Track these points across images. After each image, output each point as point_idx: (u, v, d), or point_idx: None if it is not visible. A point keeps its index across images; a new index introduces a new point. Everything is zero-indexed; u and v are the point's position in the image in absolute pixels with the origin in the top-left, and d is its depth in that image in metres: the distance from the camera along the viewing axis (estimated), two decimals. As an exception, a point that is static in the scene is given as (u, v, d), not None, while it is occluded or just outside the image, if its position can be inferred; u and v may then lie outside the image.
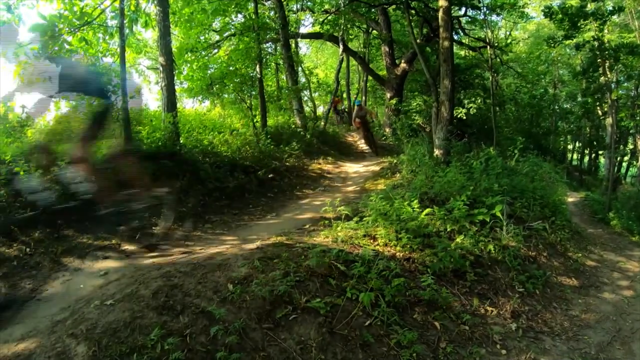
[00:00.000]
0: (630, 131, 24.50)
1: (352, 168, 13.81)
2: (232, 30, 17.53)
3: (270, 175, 10.20)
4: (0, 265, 4.76)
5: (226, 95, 16.90)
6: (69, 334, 3.31)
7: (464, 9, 20.19)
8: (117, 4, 9.67)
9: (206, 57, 17.01)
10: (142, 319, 3.43)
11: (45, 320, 3.69)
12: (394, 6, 19.83)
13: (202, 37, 17.21)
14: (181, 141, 9.49)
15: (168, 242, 6.05)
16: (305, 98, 22.93)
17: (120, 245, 5.72)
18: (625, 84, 21.14)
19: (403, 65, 20.96)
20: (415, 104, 21.54)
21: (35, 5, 9.84)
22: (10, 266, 4.78)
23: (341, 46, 19.44)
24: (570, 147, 36.42)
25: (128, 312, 3.50)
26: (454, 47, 13.13)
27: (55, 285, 4.56)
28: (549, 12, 15.30)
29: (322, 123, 18.40)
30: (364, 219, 6.13)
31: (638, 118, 19.70)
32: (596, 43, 16.10)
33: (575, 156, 36.86)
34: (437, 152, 11.18)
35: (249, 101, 15.10)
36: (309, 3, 21.97)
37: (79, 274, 4.85)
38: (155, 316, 3.47)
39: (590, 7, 15.14)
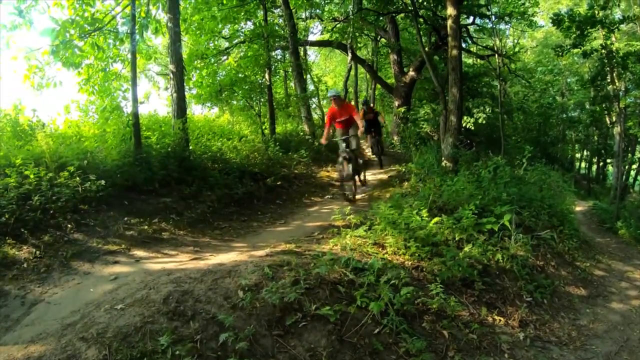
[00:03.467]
0: (639, 139, 24.44)
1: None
2: (242, 38, 17.66)
3: (278, 183, 10.23)
4: (11, 267, 4.80)
5: (235, 102, 16.98)
6: (79, 338, 3.33)
7: (472, 17, 20.23)
8: (128, 10, 9.75)
9: (215, 64, 17.12)
10: (153, 324, 3.45)
11: (55, 324, 3.72)
12: (402, 14, 19.86)
13: (211, 44, 17.33)
14: (190, 147, 9.53)
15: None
16: (314, 105, 22.92)
17: (129, 250, 5.75)
18: (634, 92, 21.10)
19: (411, 73, 20.96)
20: (423, 112, 21.48)
21: (46, 10, 9.92)
22: (21, 268, 4.82)
23: (350, 54, 19.49)
24: (578, 155, 36.35)
25: (139, 316, 3.52)
26: (462, 56, 13.15)
27: (65, 289, 4.60)
28: (557, 20, 15.29)
29: (331, 131, 18.42)
30: (373, 227, 6.14)
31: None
32: (604, 51, 16.09)
33: (583, 165, 36.79)
34: (445, 160, 11.19)
35: (257, 108, 15.17)
36: (317, 11, 22.05)
37: (88, 277, 4.88)
38: (166, 321, 3.49)
39: (599, 15, 15.13)
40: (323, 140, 10.44)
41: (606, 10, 15.39)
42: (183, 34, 13.96)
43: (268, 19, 15.69)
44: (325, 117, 11.30)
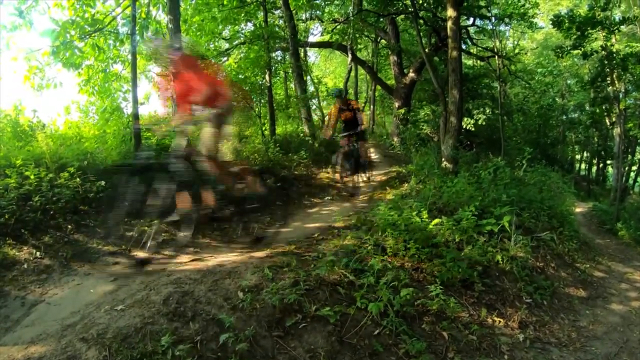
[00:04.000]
0: (639, 141, 24.42)
1: (360, 177, 13.78)
2: (242, 39, 17.66)
3: (278, 184, 10.21)
4: (11, 268, 4.80)
5: (235, 103, 16.94)
6: (79, 338, 3.33)
7: (472, 19, 20.25)
8: (128, 11, 9.76)
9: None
10: (153, 325, 3.45)
11: (55, 324, 3.72)
12: (402, 16, 19.88)
13: (212, 45, 17.33)
14: (190, 148, 9.51)
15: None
16: (314, 107, 22.91)
17: (130, 251, 5.75)
18: (634, 94, 21.11)
19: (411, 74, 20.97)
20: (423, 113, 21.51)
21: (47, 11, 9.93)
22: (21, 269, 4.82)
23: (350, 55, 19.50)
24: (578, 157, 36.28)
25: (139, 317, 3.52)
26: (462, 57, 13.15)
27: (65, 290, 4.60)
28: (557, 21, 15.30)
29: (331, 132, 18.37)
30: (373, 228, 6.14)
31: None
32: (604, 52, 16.09)
33: (583, 166, 36.72)
34: (445, 162, 11.19)
35: (257, 109, 15.17)
36: (318, 12, 22.06)
37: (88, 278, 4.89)
38: (166, 322, 3.49)
39: (599, 16, 15.13)
40: None
41: (606, 12, 15.39)
42: (183, 35, 13.96)
43: (268, 20, 15.71)
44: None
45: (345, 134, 10.64)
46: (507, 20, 20.29)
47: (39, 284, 4.65)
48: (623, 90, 18.17)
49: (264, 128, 14.38)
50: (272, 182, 9.90)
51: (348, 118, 10.67)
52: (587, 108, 27.42)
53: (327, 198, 10.44)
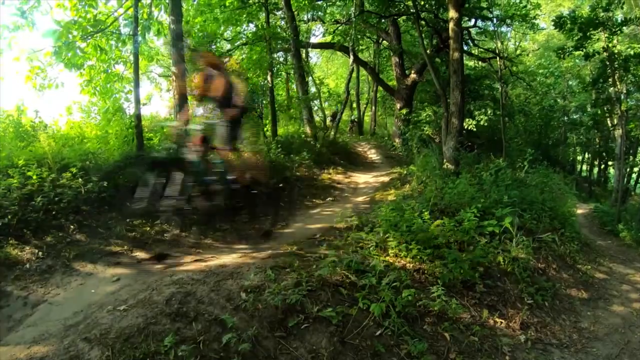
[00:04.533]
0: (640, 142, 24.48)
1: (361, 178, 13.75)
2: (244, 40, 17.67)
3: (280, 185, 10.21)
4: (13, 268, 4.80)
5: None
6: (82, 338, 3.34)
7: (474, 20, 20.27)
8: (130, 12, 9.75)
9: (217, 66, 17.09)
10: (156, 325, 3.46)
11: (58, 324, 3.73)
12: (404, 17, 19.91)
13: (214, 46, 17.33)
14: (193, 149, 9.50)
15: None
16: (316, 108, 22.90)
17: (132, 251, 5.75)
18: (635, 95, 21.13)
19: (413, 75, 20.99)
20: (425, 114, 21.51)
21: (49, 11, 9.94)
22: (23, 269, 4.82)
23: (351, 56, 19.50)
24: (579, 158, 36.25)
25: (141, 317, 3.52)
26: (464, 58, 13.16)
27: (67, 290, 4.61)
28: (559, 22, 15.30)
29: (332, 133, 18.39)
30: (375, 229, 6.14)
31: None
32: (606, 53, 16.09)
33: (584, 167, 36.68)
34: (447, 163, 11.18)
35: (259, 110, 15.18)
36: (319, 13, 22.08)
37: (91, 278, 4.89)
38: (169, 323, 3.50)
39: (602, 17, 15.11)
40: None
41: (608, 13, 15.39)
42: (185, 36, 13.99)
43: (270, 21, 15.73)
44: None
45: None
46: (508, 21, 20.34)
47: (41, 284, 4.66)
48: (625, 92, 18.18)
49: (265, 129, 14.40)
50: (274, 183, 9.90)
51: (217, 92, 6.26)
52: (589, 109, 27.46)
53: (328, 199, 10.45)
